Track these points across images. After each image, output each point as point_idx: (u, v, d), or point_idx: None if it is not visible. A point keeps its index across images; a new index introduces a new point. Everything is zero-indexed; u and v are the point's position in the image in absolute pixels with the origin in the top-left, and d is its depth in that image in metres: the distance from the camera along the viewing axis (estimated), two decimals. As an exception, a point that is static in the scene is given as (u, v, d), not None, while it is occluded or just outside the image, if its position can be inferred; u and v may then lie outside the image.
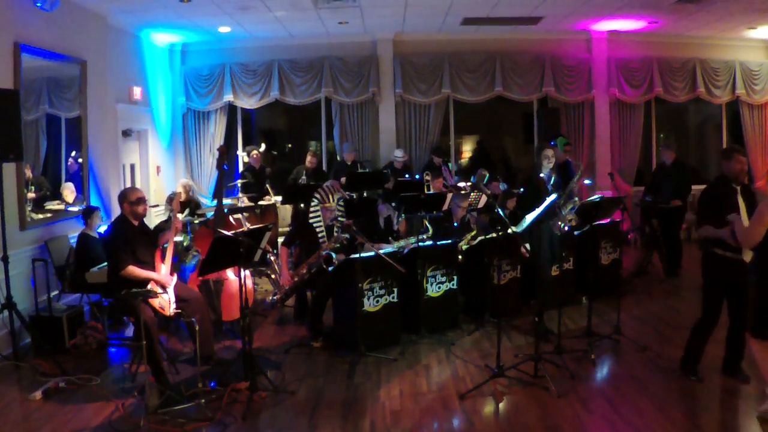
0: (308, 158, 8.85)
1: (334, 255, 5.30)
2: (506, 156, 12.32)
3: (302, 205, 7.16)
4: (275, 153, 10.75)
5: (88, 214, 6.05)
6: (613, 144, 10.04)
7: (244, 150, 8.59)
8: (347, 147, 9.28)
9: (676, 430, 3.68)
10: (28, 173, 6.13)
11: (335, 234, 5.59)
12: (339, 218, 6.00)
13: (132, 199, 4.69)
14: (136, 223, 4.74)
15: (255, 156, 8.86)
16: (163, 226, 5.43)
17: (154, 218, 8.17)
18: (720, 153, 4.46)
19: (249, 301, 5.38)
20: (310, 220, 5.97)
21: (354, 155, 9.15)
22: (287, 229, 8.58)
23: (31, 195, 5.94)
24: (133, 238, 4.63)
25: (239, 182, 8.54)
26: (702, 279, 4.39)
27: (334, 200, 6.17)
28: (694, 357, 4.44)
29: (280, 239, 6.55)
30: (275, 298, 5.51)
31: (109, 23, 7.42)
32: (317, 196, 6.41)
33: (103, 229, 6.32)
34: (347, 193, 7.15)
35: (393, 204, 6.93)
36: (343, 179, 7.67)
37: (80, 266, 5.73)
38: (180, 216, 6.88)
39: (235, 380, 4.34)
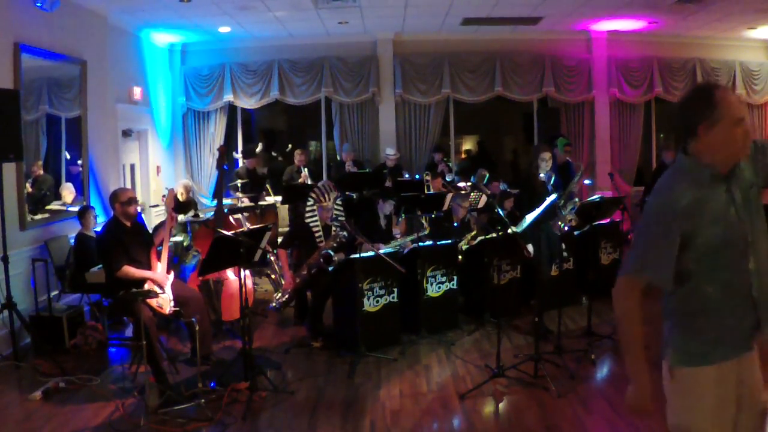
0: (297, 157, 8.81)
1: (332, 253, 5.29)
2: (511, 157, 12.31)
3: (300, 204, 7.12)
4: (275, 155, 10.69)
5: (81, 214, 6.00)
6: (613, 144, 10.02)
7: (241, 153, 8.47)
8: (347, 147, 9.27)
9: (676, 430, 3.68)
10: (40, 171, 6.13)
11: (333, 232, 5.58)
12: (338, 218, 5.99)
13: (123, 200, 4.65)
14: (128, 223, 4.70)
15: (251, 160, 8.73)
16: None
17: (154, 218, 8.17)
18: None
19: (249, 301, 5.38)
20: (306, 220, 5.96)
21: (353, 155, 9.13)
22: (287, 229, 8.55)
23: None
24: (125, 238, 4.60)
25: (239, 182, 8.48)
26: None
27: (330, 199, 6.15)
28: None
29: (280, 239, 6.55)
30: (279, 304, 5.49)
31: (109, 23, 7.41)
32: (313, 195, 6.40)
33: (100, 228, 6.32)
34: (346, 192, 7.13)
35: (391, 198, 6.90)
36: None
37: (80, 266, 5.72)
38: (181, 217, 6.88)
39: (235, 380, 4.34)
